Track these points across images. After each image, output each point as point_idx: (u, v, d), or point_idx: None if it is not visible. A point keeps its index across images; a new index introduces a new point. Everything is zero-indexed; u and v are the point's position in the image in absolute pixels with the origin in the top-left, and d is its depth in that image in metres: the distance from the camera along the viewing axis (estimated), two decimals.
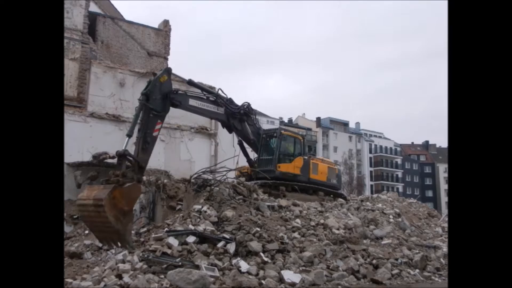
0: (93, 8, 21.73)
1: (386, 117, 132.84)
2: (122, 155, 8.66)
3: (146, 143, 9.35)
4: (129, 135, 9.24)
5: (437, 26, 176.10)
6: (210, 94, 12.08)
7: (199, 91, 11.93)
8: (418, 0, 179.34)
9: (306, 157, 14.56)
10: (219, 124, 20.09)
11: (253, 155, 13.94)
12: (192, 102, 11.46)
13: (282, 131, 13.98)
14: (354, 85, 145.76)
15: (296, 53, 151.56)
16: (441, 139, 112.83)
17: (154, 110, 9.67)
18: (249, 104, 13.13)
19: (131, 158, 8.81)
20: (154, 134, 9.81)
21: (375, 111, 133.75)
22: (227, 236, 8.31)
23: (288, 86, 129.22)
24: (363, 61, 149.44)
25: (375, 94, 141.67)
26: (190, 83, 12.42)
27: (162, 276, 6.66)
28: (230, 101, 12.45)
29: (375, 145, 77.03)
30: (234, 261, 7.60)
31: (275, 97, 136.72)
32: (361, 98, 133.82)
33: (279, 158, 13.45)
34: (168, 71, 10.69)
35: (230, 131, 13.22)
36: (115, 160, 15.47)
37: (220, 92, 12.27)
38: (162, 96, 10.14)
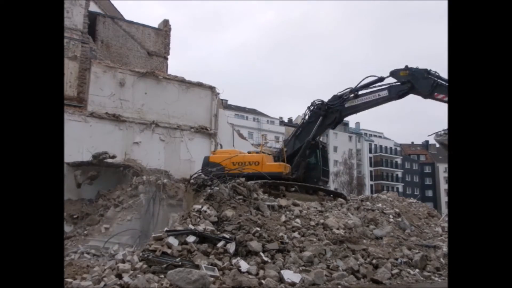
0: (93, 7, 21.68)
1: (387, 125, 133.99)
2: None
3: None
4: None
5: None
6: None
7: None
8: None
9: None
10: (219, 124, 20.38)
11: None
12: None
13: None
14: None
15: (301, 89, 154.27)
16: None
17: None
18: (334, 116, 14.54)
19: None
20: None
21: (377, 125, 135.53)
22: (227, 236, 8.30)
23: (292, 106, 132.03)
24: None
25: (376, 113, 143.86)
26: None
27: (162, 276, 6.67)
28: (333, 98, 14.53)
29: (375, 145, 76.97)
30: (234, 260, 7.60)
31: (275, 98, 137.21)
32: (366, 116, 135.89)
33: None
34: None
35: None
36: (114, 160, 15.56)
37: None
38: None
